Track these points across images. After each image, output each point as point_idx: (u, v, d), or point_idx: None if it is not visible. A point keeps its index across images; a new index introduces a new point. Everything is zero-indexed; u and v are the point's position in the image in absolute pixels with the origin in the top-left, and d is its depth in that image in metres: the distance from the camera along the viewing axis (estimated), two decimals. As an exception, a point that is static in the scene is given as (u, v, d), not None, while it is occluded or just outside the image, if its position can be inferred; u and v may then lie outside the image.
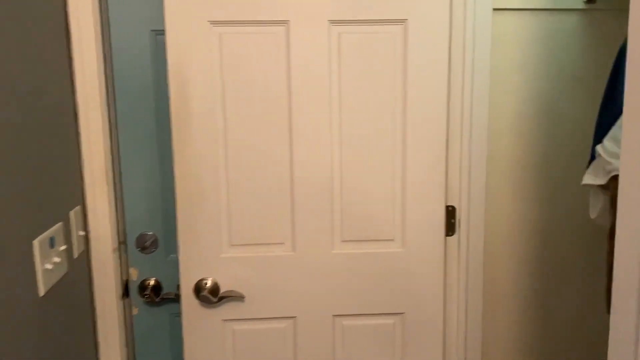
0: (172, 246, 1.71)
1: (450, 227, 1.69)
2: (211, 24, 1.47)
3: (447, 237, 1.69)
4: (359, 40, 1.51)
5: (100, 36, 1.54)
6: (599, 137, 1.53)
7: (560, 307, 1.90)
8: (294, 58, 1.49)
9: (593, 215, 1.59)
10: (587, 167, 1.57)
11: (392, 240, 1.61)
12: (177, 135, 1.51)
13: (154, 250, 1.70)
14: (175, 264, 1.69)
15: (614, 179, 1.45)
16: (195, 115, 1.50)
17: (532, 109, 1.78)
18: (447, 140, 1.60)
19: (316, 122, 1.53)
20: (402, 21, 1.52)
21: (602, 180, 1.49)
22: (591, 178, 1.54)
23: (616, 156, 1.44)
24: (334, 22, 1.49)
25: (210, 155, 1.52)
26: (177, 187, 1.53)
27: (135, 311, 1.74)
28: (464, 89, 1.64)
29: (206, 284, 1.56)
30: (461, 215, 1.70)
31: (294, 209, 1.56)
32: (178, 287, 1.65)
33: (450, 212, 1.68)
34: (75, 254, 1.45)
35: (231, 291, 1.57)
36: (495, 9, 1.65)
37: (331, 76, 1.52)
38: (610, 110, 1.49)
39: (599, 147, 1.49)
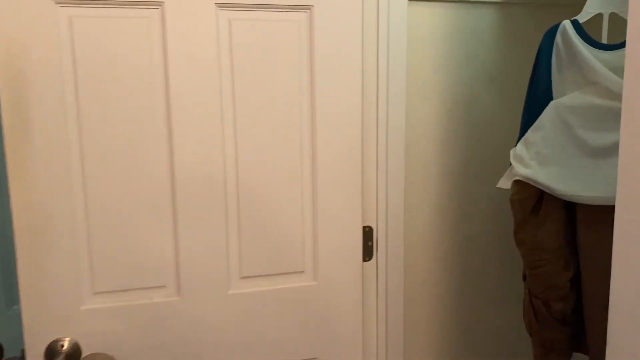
0: (14, 296, 1.31)
1: (367, 251, 1.46)
2: (56, 3, 1.11)
3: (364, 263, 1.45)
4: (255, 29, 1.23)
5: None
6: (519, 140, 1.39)
7: (487, 330, 1.74)
8: (173, 49, 1.18)
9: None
10: None
11: (302, 272, 1.34)
12: (12, 153, 1.13)
13: (-12, 303, 1.30)
14: (19, 319, 1.29)
15: (515, 182, 1.35)
16: (37, 124, 1.13)
17: (449, 112, 1.60)
18: (363, 149, 1.37)
19: (204, 128, 1.22)
20: (306, 8, 1.26)
21: (507, 184, 1.38)
22: (503, 182, 1.43)
23: (520, 160, 1.33)
24: (222, 5, 1.20)
25: (60, 176, 1.16)
26: (16, 221, 1.15)
27: (-35, 385, 1.31)
28: (378, 89, 1.41)
29: (62, 346, 1.20)
30: (379, 237, 1.47)
31: (177, 240, 1.24)
32: (23, 350, 1.26)
33: (367, 233, 1.45)
34: None
35: (96, 354, 1.21)
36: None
37: (222, 72, 1.22)
38: (529, 113, 1.36)
39: (511, 151, 1.39)
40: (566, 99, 1.30)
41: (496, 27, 1.60)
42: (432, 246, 1.65)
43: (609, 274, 1.31)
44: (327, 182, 1.33)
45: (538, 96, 1.34)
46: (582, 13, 1.31)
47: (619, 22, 1.33)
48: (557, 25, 1.32)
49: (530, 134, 1.33)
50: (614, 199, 1.24)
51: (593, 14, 1.31)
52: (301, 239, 1.34)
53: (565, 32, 1.29)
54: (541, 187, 1.29)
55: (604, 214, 1.25)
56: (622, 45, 1.29)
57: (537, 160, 1.29)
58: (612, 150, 1.24)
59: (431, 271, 1.66)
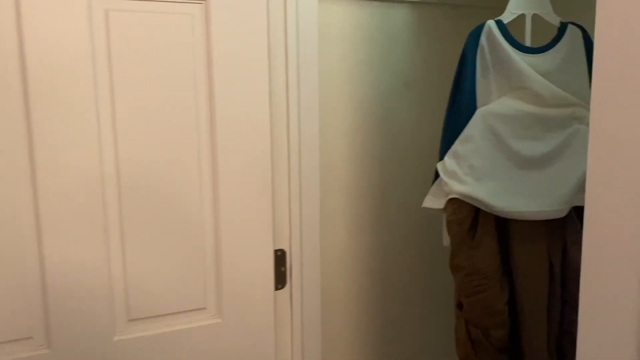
0: None
1: (279, 278, 1.29)
2: None
3: (276, 292, 1.29)
4: (138, 22, 1.03)
5: None
6: (443, 152, 1.28)
7: (414, 357, 1.63)
8: (31, 45, 0.96)
9: (446, 242, 1.32)
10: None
11: (203, 309, 1.16)
12: None
13: None
14: None
15: (450, 201, 1.22)
16: None
17: (365, 120, 1.47)
18: (273, 162, 1.21)
19: (76, 135, 1.01)
20: (201, -1, 1.08)
21: (441, 204, 1.24)
22: (431, 200, 1.29)
23: (454, 175, 1.20)
24: (96, -8, 1.00)
25: None
26: None
27: None
28: (288, 94, 1.26)
29: None
30: (293, 261, 1.32)
31: (45, 276, 1.02)
32: None
33: (279, 257, 1.29)
34: None
35: None
36: (320, -7, 1.30)
37: (97, 71, 1.01)
38: (453, 122, 1.25)
39: (439, 165, 1.26)
40: (494, 106, 1.21)
41: (412, 28, 1.50)
42: (351, 268, 1.51)
43: (545, 291, 1.25)
44: (231, 200, 1.15)
45: (463, 104, 1.23)
46: (505, 13, 1.23)
47: (541, 24, 1.26)
48: (481, 26, 1.23)
49: (459, 146, 1.22)
50: (553, 212, 1.18)
51: (516, 15, 1.23)
52: (202, 269, 1.15)
53: (490, 34, 1.20)
54: (479, 205, 1.18)
55: (539, 229, 1.18)
56: (547, 48, 1.22)
57: (471, 175, 1.18)
58: (543, 161, 1.16)
59: (351, 296, 1.52)
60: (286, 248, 1.31)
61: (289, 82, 1.25)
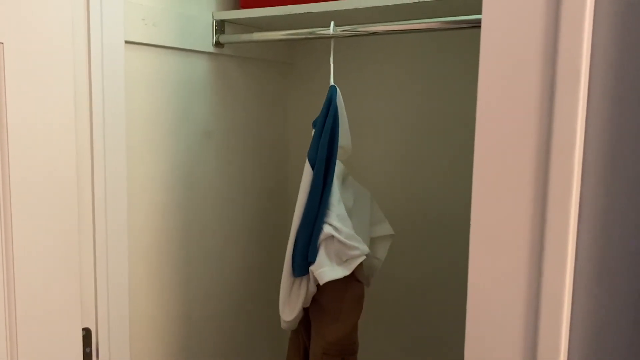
0: None
1: (85, 362, 1.19)
2: None
3: (81, 378, 1.19)
4: None
5: None
6: (316, 218, 1.26)
7: None
8: None
9: (290, 316, 1.32)
10: (309, 259, 1.26)
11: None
12: None
13: None
14: None
15: (361, 264, 1.25)
16: None
17: (168, 175, 1.46)
18: (79, 229, 1.13)
19: None
20: (-10, 43, 0.99)
21: (347, 270, 1.23)
22: (333, 270, 1.23)
23: (355, 238, 1.24)
24: None
25: None
26: None
27: None
28: (93, 154, 1.20)
29: None
30: (100, 340, 1.23)
31: None
32: None
33: (85, 337, 1.19)
34: None
35: None
36: (126, 42, 1.28)
37: None
38: (326, 183, 1.27)
39: (332, 231, 1.22)
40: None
41: (210, 77, 1.56)
42: (161, 342, 1.46)
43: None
44: (29, 270, 1.04)
45: (334, 166, 1.27)
46: (331, 78, 1.31)
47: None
48: (336, 92, 1.28)
49: (338, 208, 1.25)
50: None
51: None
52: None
53: (339, 97, 1.28)
54: (366, 261, 1.27)
55: None
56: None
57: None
58: (351, 211, 1.31)
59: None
60: (92, 326, 1.22)
61: (95, 136, 1.19)
